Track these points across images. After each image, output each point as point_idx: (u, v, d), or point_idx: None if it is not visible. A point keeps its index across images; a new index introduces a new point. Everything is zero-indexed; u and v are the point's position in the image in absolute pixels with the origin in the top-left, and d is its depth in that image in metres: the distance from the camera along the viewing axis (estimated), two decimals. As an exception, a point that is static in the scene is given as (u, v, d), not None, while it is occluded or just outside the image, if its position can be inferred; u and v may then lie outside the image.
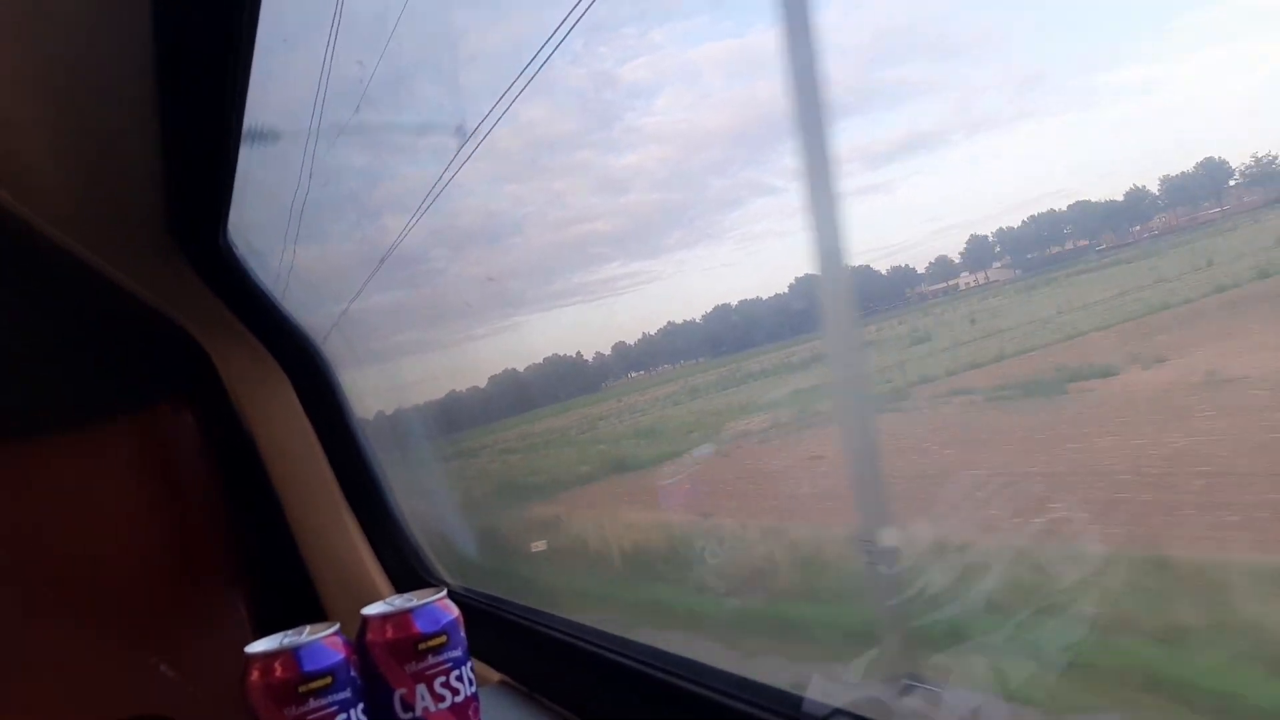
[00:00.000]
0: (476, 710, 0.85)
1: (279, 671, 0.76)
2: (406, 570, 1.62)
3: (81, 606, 1.41)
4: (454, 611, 0.86)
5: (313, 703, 0.75)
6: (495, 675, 1.27)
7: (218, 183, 1.23)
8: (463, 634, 0.86)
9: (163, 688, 1.42)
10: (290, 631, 0.81)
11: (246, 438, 1.64)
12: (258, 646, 0.78)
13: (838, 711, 0.68)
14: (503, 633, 1.30)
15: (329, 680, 0.77)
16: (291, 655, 0.76)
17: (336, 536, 1.64)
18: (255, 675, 0.76)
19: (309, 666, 0.76)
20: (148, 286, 1.51)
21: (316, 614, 1.61)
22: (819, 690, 0.72)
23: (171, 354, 1.64)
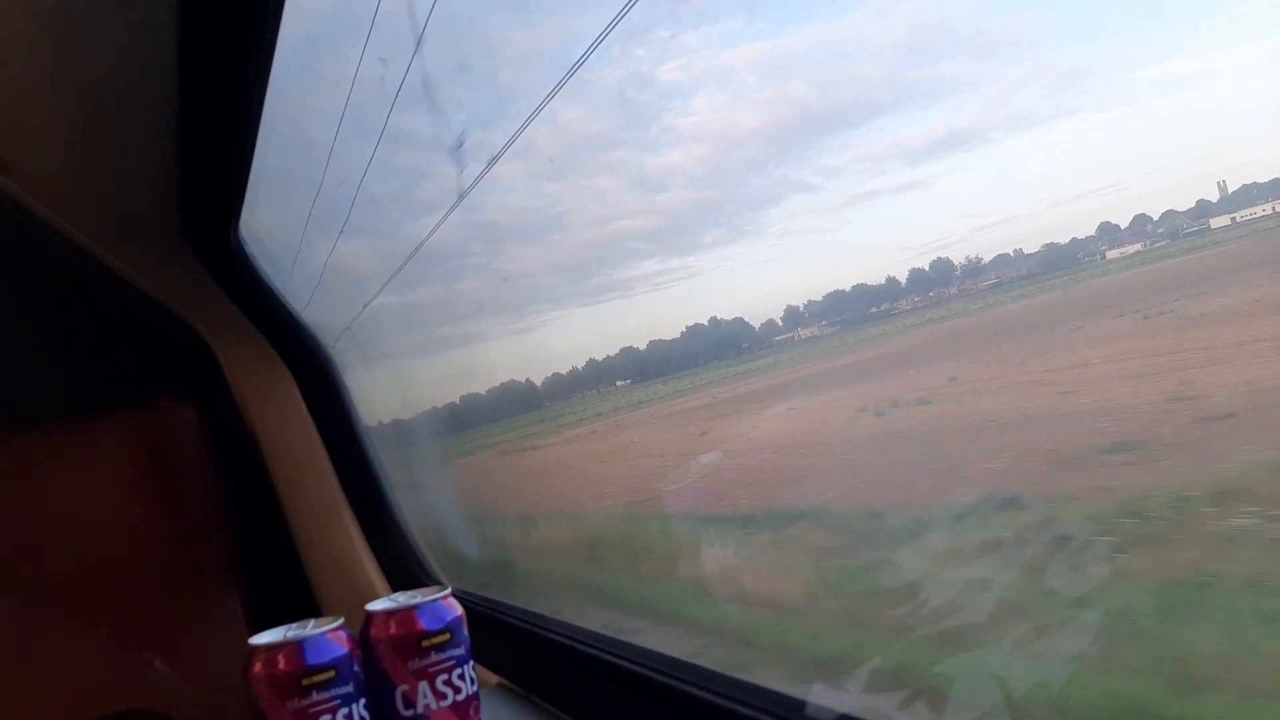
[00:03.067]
0: (477, 709, 0.85)
1: (282, 663, 0.76)
2: (405, 572, 1.62)
3: (76, 600, 1.40)
4: (458, 609, 0.86)
5: (315, 695, 0.75)
6: (494, 678, 1.27)
7: (233, 180, 1.23)
8: (466, 632, 0.86)
9: (156, 683, 1.41)
10: (295, 624, 0.81)
11: (248, 435, 1.64)
12: (262, 638, 0.78)
13: (844, 717, 0.68)
14: (501, 635, 1.29)
15: (332, 674, 0.77)
16: (296, 647, 0.76)
17: (335, 536, 1.64)
18: (258, 666, 0.76)
19: (313, 659, 0.76)
20: (155, 281, 1.51)
21: (312, 613, 1.59)
22: (822, 695, 0.72)
23: (175, 349, 1.65)
